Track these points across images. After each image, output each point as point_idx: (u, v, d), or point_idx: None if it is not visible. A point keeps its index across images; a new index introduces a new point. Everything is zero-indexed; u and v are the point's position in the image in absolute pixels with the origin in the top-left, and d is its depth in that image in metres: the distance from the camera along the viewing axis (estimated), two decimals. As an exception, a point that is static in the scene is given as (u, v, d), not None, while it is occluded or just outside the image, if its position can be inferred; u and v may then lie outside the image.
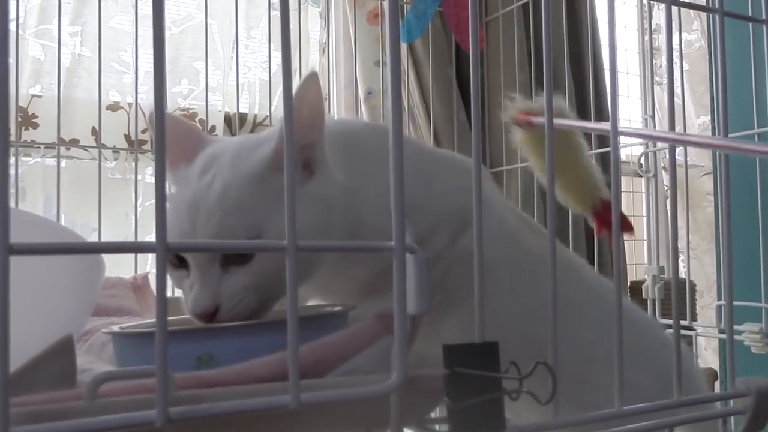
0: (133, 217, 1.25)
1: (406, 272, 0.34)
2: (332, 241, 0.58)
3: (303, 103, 0.55)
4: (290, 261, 0.31)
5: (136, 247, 0.38)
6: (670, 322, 1.20)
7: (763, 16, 0.53)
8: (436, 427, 0.45)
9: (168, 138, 0.58)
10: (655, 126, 1.59)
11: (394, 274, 0.33)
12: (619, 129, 0.44)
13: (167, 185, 0.59)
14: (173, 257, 0.55)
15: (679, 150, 1.68)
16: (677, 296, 0.49)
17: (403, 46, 1.55)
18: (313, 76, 0.56)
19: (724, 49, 0.52)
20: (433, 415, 0.46)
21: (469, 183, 0.39)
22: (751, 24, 0.52)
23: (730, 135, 1.19)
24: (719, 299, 1.20)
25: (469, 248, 0.40)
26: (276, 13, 1.60)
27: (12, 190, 1.29)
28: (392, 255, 0.33)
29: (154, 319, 0.29)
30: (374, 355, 0.40)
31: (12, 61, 1.27)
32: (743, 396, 0.47)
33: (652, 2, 1.95)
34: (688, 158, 2.07)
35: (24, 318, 0.45)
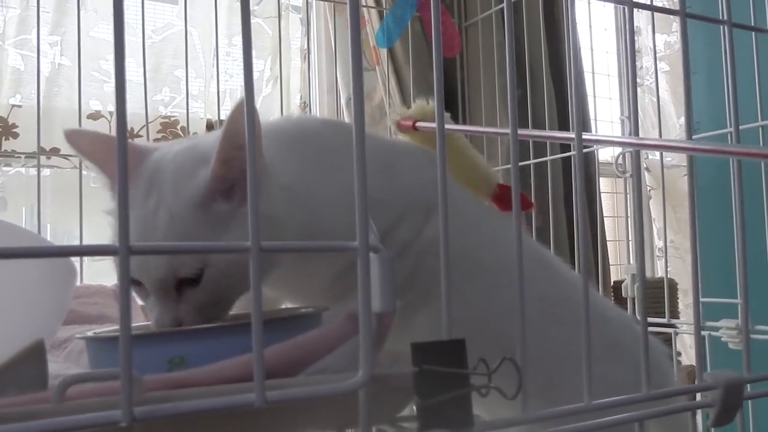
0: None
1: (371, 271, 0.35)
2: (287, 248, 0.58)
3: (240, 125, 0.53)
4: (254, 261, 0.32)
5: (98, 250, 0.38)
6: (651, 320, 1.21)
7: (725, 17, 0.55)
8: (408, 425, 0.46)
9: (105, 155, 0.59)
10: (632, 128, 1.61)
11: (358, 273, 0.34)
12: (584, 136, 0.45)
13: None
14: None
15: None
16: (644, 292, 0.49)
17: (384, 52, 1.56)
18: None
19: (687, 50, 0.53)
20: (406, 412, 0.46)
21: (430, 174, 0.40)
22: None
23: (705, 134, 1.21)
24: (700, 297, 1.21)
25: (434, 236, 0.41)
26: (257, 20, 1.60)
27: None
28: (356, 254, 0.34)
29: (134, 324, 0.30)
30: (345, 354, 0.41)
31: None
32: (711, 389, 0.47)
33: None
34: (671, 159, 2.08)
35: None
